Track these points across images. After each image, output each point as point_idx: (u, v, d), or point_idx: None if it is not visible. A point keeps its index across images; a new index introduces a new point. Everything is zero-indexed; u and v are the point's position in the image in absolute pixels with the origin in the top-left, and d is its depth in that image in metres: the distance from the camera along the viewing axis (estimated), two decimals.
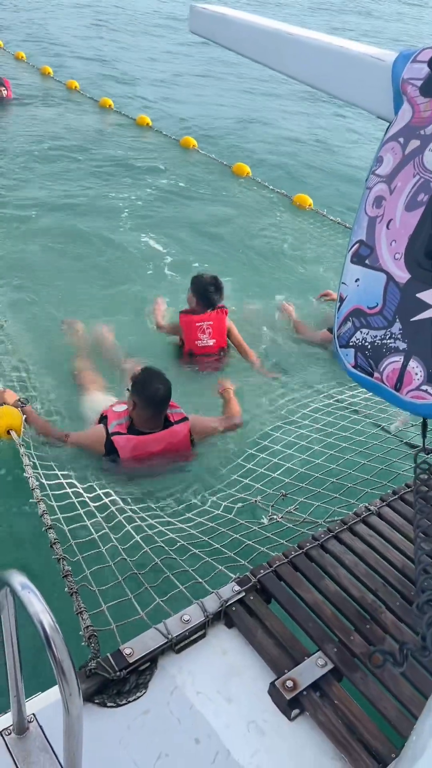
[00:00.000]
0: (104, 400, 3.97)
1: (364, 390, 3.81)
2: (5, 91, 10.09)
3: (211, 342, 4.51)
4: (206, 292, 4.48)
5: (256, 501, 2.97)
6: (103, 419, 3.55)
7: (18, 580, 1.27)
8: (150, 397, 3.32)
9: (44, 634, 1.20)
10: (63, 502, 2.80)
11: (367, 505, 2.68)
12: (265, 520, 2.75)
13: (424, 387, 1.47)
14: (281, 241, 6.71)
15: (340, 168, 9.26)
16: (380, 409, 3.66)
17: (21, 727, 1.73)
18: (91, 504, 2.83)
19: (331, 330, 4.79)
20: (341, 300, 1.63)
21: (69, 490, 2.92)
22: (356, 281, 1.59)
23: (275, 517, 2.75)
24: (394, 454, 3.20)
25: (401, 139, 1.49)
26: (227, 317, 4.58)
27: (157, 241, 6.40)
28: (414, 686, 1.94)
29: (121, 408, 3.50)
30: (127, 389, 3.44)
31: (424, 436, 1.57)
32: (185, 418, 3.51)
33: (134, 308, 5.19)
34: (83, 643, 2.01)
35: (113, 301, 5.30)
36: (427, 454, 1.61)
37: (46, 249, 6.05)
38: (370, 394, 3.87)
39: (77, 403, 4.01)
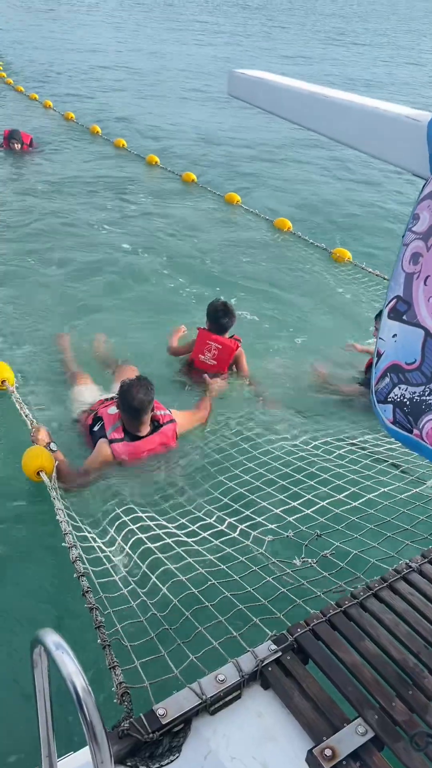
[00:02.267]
0: (93, 389, 4.46)
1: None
2: (17, 145, 10.68)
3: (211, 362, 4.77)
4: (216, 317, 4.75)
5: (288, 535, 2.91)
6: (98, 421, 3.88)
7: (52, 639, 1.26)
8: (128, 403, 3.62)
9: (77, 697, 1.19)
10: (91, 556, 2.80)
11: (407, 561, 2.60)
12: (297, 561, 2.68)
13: None
14: (322, 293, 6.76)
15: (377, 221, 9.35)
16: (421, 465, 3.57)
17: None
18: (113, 556, 2.82)
19: (360, 383, 4.76)
20: (378, 355, 1.62)
21: (94, 544, 2.92)
22: (393, 337, 1.58)
23: (309, 561, 2.68)
24: None
25: None
26: (238, 348, 4.80)
27: (190, 291, 6.57)
28: None
29: (114, 410, 3.83)
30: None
31: None
32: (172, 420, 3.89)
33: (147, 324, 5.67)
34: (115, 700, 1.97)
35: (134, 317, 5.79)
36: None
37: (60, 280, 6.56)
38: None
39: (67, 396, 4.47)
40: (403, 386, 1.55)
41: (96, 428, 3.87)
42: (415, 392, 1.53)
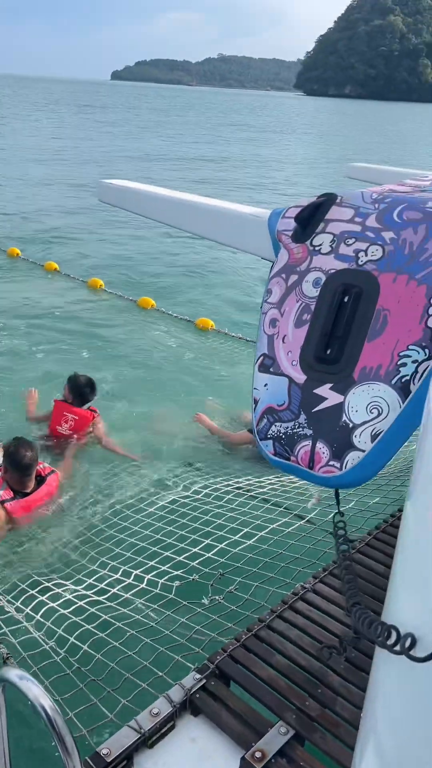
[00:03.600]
0: None
1: (284, 483, 4.20)
2: None
3: (68, 432, 5.07)
4: (81, 391, 5.08)
5: (194, 579, 3.17)
6: None
7: (14, 672, 1.44)
8: (17, 462, 3.98)
9: (46, 716, 1.37)
10: (4, 616, 2.91)
11: (302, 584, 2.95)
12: (206, 601, 2.93)
13: (331, 463, 1.83)
14: (192, 358, 7.27)
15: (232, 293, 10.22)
16: (299, 501, 4.00)
17: None
18: (26, 621, 2.91)
19: (250, 430, 5.21)
20: (255, 402, 2.00)
21: (4, 604, 3.01)
22: (265, 386, 1.97)
23: (216, 598, 2.95)
24: (319, 533, 3.52)
25: (284, 275, 1.94)
26: (96, 419, 5.13)
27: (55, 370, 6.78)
28: None
29: None
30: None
31: (338, 502, 1.91)
32: (53, 471, 4.30)
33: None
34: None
35: None
36: (342, 516, 1.94)
37: None
38: (286, 484, 4.21)
39: None
40: (278, 423, 1.94)
41: None
42: (287, 427, 1.91)
